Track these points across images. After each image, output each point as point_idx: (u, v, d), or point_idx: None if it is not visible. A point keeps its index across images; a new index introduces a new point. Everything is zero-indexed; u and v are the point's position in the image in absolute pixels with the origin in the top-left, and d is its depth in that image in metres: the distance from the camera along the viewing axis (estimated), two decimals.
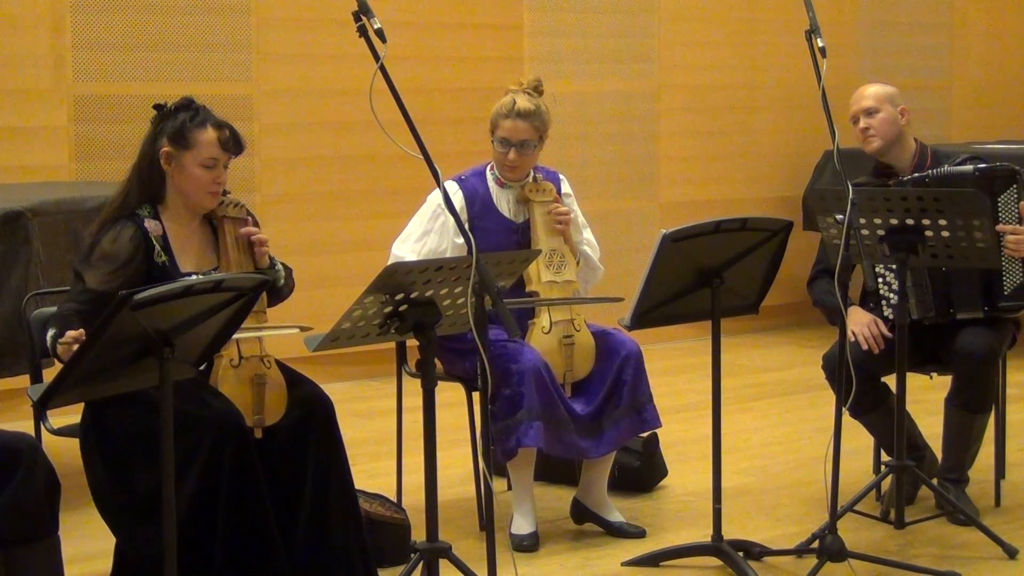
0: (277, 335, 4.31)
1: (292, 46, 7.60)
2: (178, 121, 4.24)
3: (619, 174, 8.80)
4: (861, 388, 4.62)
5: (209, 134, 4.24)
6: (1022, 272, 5.06)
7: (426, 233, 5.02)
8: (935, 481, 5.17)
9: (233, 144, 4.29)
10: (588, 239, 5.25)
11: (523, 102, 5.02)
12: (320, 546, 4.21)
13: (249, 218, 4.43)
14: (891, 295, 5.12)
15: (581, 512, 5.15)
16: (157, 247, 4.23)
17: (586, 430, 4.93)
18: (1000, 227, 4.95)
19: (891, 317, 5.07)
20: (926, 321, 5.12)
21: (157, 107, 4.31)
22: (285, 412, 4.23)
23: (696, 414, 6.67)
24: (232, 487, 4.01)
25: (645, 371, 5.04)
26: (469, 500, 5.35)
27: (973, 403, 5.09)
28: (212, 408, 4.06)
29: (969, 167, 5.09)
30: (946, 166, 5.14)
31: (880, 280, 5.15)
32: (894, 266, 4.91)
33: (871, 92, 5.26)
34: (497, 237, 5.01)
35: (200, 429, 3.99)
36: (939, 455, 5.29)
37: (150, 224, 4.25)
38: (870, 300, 5.26)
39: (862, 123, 5.23)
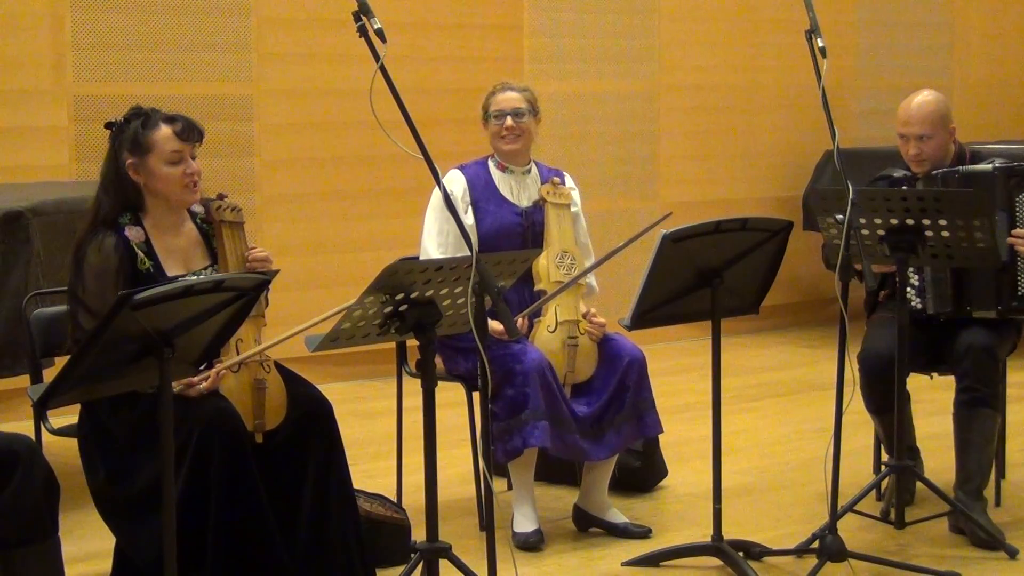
0: (281, 343, 4.11)
1: (292, 46, 7.60)
2: (131, 130, 4.22)
3: (619, 174, 8.80)
4: (884, 386, 4.65)
5: (163, 131, 4.22)
6: None
7: (446, 221, 5.04)
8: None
9: (191, 132, 4.25)
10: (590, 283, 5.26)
11: (511, 82, 5.28)
12: (320, 547, 4.20)
13: (245, 223, 4.42)
14: (911, 292, 5.12)
15: (583, 518, 5.15)
16: (140, 254, 4.20)
17: (587, 432, 4.93)
18: (1017, 231, 4.94)
19: (918, 308, 5.08)
20: (941, 317, 5.10)
21: (108, 125, 4.29)
22: (285, 415, 4.23)
23: (696, 414, 6.66)
24: (229, 489, 4.00)
25: (648, 378, 5.05)
26: (469, 500, 5.35)
27: (978, 398, 5.01)
28: (202, 406, 4.04)
29: (988, 165, 5.06)
30: (971, 166, 5.11)
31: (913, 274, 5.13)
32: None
33: (924, 116, 5.12)
34: (502, 219, 5.12)
35: (187, 426, 3.96)
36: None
37: (131, 232, 4.21)
38: (872, 300, 5.28)
39: (913, 148, 5.14)
